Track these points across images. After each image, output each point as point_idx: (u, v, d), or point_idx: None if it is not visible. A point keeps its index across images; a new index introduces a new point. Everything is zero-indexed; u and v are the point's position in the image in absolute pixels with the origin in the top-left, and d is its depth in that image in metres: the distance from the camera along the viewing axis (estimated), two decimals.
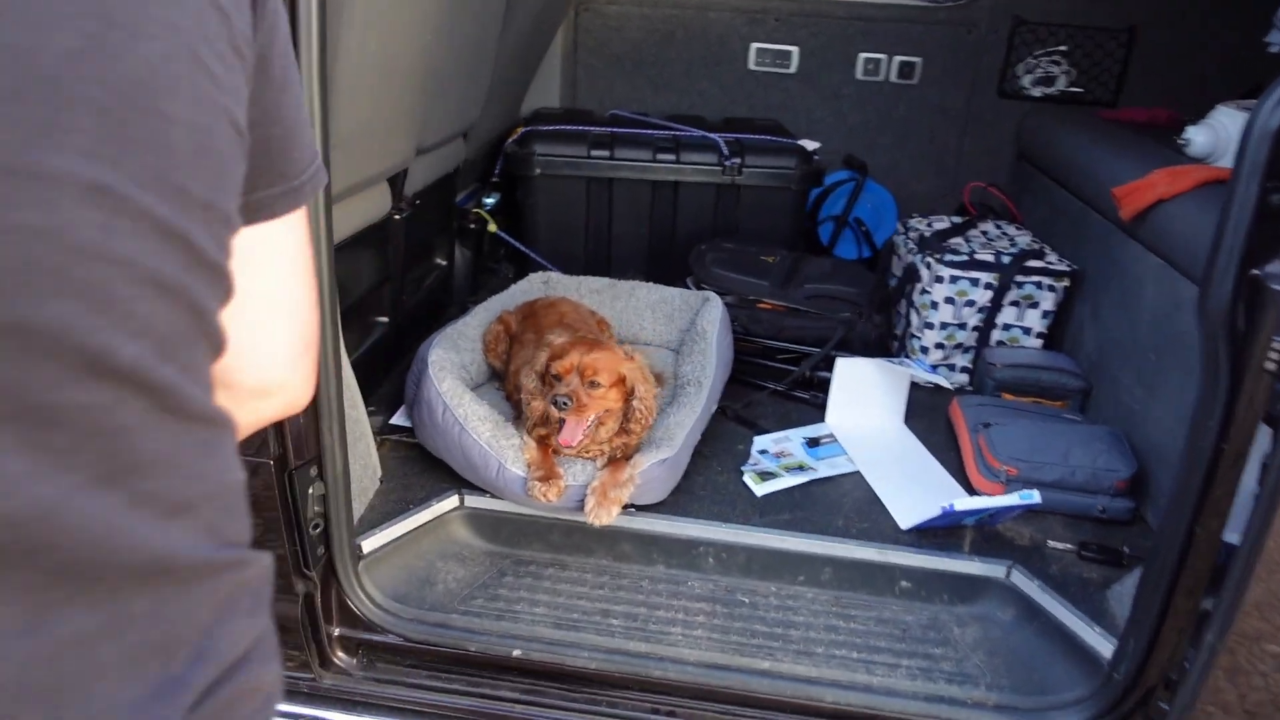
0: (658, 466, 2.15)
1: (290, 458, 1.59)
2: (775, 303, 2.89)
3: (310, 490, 1.65)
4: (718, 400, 2.47)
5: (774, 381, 2.75)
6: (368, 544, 2.00)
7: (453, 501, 2.24)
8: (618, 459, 2.29)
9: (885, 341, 2.99)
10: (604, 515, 2.19)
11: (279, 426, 1.54)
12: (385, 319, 2.55)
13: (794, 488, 2.32)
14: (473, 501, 2.23)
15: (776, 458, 2.47)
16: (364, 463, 2.10)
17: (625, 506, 2.08)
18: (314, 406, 1.58)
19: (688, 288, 2.95)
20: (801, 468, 2.42)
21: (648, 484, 2.13)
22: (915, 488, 2.29)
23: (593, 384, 2.19)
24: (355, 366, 2.02)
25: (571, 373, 2.20)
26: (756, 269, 2.98)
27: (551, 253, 3.38)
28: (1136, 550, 2.07)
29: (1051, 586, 1.96)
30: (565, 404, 2.15)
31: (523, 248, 3.35)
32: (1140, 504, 2.29)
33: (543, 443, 2.34)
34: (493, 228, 3.21)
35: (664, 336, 2.84)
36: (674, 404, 2.43)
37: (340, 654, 1.85)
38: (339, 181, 1.80)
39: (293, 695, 1.79)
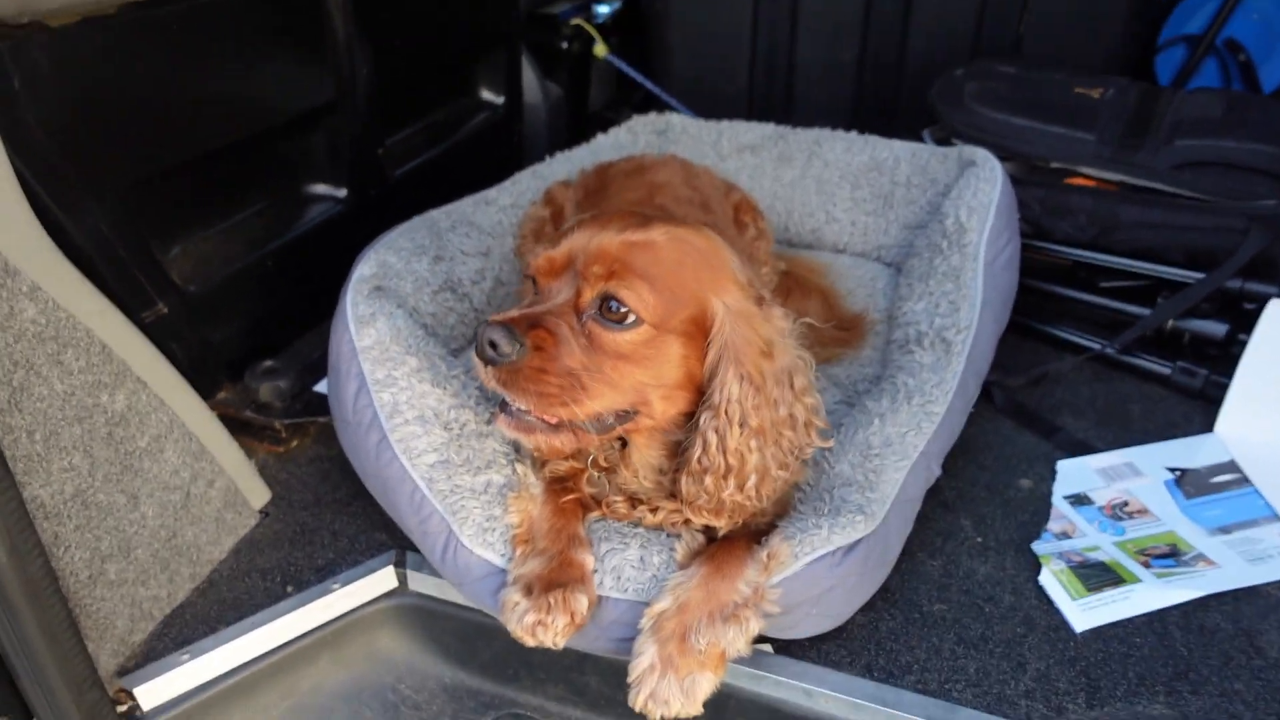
0: (835, 560, 1.05)
1: None
2: (1108, 176, 1.92)
3: None
4: (984, 373, 1.48)
5: (1097, 337, 1.85)
6: (169, 684, 1.17)
7: (385, 578, 1.27)
8: (735, 534, 1.08)
9: None
10: (670, 697, 0.94)
11: None
12: (336, 190, 1.71)
13: (1167, 612, 1.23)
14: (424, 581, 1.27)
15: (1112, 519, 1.39)
16: (203, 482, 1.29)
17: (758, 642, 1.08)
18: None
19: (923, 142, 2.04)
20: (1174, 550, 1.30)
21: (806, 599, 1.05)
22: None
23: (607, 304, 0.93)
24: (241, 280, 1.50)
25: (563, 270, 0.97)
26: (1067, 110, 2.01)
27: (692, 92, 2.64)
28: None
29: None
30: (499, 355, 0.89)
31: (648, 83, 2.64)
32: None
33: (559, 490, 1.11)
34: (601, 50, 2.59)
35: (872, 238, 1.89)
36: (886, 389, 1.33)
37: None
38: None
39: None
